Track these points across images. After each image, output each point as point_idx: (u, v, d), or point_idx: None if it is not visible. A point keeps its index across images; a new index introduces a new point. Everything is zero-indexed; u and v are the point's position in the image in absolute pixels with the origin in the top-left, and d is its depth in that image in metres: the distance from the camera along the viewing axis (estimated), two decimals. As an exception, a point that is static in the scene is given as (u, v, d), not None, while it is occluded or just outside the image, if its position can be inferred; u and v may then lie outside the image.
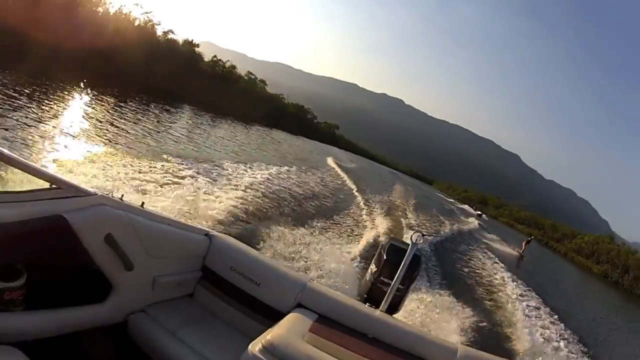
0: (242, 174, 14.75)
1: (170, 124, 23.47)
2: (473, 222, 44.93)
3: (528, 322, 12.18)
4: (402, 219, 21.77)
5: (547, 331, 12.18)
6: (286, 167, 20.55)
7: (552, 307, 15.61)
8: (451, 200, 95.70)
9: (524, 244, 38.08)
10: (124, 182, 8.81)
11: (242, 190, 11.91)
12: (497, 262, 21.39)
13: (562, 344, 11.87)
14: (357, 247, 11.50)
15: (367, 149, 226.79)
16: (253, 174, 15.23)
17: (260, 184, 13.68)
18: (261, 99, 72.97)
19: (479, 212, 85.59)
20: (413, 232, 3.78)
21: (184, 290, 3.62)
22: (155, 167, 11.32)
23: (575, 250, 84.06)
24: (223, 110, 48.23)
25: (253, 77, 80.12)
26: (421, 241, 3.70)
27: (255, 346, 2.32)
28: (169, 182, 10.36)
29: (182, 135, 21.09)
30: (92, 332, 2.80)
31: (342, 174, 31.76)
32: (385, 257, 3.90)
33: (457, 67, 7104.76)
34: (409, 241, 3.77)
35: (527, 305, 14.17)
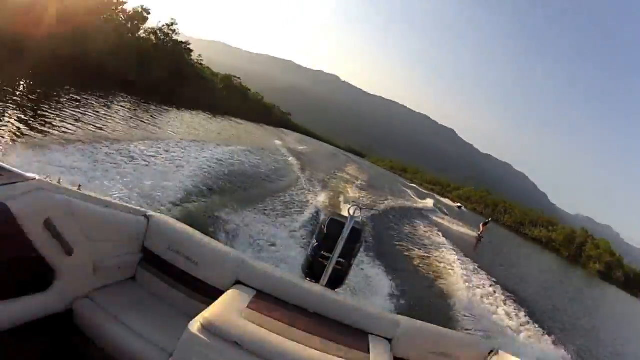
0: (191, 155, 14.41)
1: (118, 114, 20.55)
2: (428, 203, 45.70)
3: (470, 292, 12.65)
4: (351, 196, 22.92)
5: (488, 296, 13.35)
6: (234, 148, 20.30)
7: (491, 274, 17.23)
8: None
9: (481, 225, 38.24)
10: (62, 166, 8.35)
11: (189, 172, 11.78)
12: (444, 240, 21.85)
13: (490, 290, 14.24)
14: (302, 224, 11.59)
15: (306, 127, 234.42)
16: (202, 155, 15.07)
17: (208, 165, 13.53)
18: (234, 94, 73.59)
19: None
20: (350, 205, 3.86)
21: (126, 274, 3.59)
22: (98, 150, 10.80)
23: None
24: (183, 102, 43.52)
25: (238, 79, 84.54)
26: (359, 214, 3.77)
27: (194, 325, 2.38)
28: (113, 163, 10.00)
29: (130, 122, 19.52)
30: (37, 322, 2.77)
31: (289, 155, 31.28)
32: (325, 232, 4.03)
33: (392, 43, 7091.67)
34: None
35: (466, 275, 15.05)
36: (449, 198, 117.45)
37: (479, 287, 14.16)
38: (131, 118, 20.83)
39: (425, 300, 10.58)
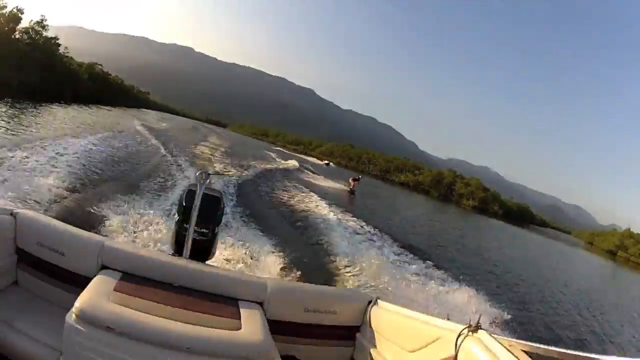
0: (60, 151, 13.38)
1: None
2: (293, 164, 46.00)
3: (350, 245, 12.67)
4: (217, 167, 23.61)
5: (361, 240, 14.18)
6: (100, 136, 19.68)
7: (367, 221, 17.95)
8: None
9: (351, 180, 39.44)
10: None
11: (61, 168, 11.25)
12: (317, 197, 22.09)
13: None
14: (173, 201, 11.30)
15: (165, 103, 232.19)
16: (72, 149, 14.15)
17: (79, 159, 12.96)
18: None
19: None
20: (197, 172, 3.67)
21: (9, 278, 3.41)
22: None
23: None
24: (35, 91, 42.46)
25: (100, 67, 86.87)
26: (207, 180, 3.64)
27: (70, 318, 2.35)
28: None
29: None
30: None
31: (151, 135, 30.63)
32: (184, 204, 3.89)
33: (247, 7, 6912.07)
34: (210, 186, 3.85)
35: (344, 228, 15.16)
36: (313, 156, 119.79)
37: (357, 238, 14.24)
38: (7, 123, 20.05)
39: (305, 259, 10.38)
